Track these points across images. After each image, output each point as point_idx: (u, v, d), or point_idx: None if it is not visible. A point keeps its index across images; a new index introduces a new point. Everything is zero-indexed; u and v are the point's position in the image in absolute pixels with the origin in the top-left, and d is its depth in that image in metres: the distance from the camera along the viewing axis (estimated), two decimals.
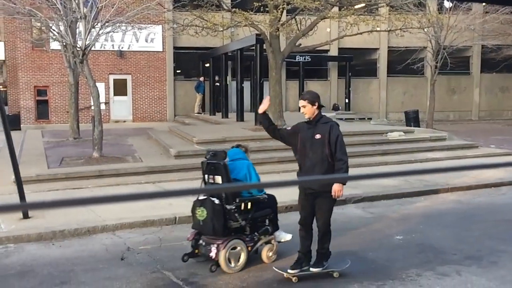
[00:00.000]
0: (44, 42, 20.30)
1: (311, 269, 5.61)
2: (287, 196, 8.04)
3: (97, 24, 12.80)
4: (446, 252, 6.48)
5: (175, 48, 24.30)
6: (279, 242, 6.22)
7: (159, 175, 11.20)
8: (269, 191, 6.26)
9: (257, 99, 16.91)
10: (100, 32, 13.15)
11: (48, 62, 22.58)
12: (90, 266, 6.04)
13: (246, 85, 19.92)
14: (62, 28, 13.38)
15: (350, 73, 26.52)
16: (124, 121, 23.61)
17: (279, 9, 14.64)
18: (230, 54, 21.05)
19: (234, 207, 5.81)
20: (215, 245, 5.75)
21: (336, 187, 5.38)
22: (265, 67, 16.74)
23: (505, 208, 9.15)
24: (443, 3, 22.51)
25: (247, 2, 17.98)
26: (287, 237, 6.27)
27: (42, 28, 18.17)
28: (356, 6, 15.88)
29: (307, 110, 5.49)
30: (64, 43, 15.25)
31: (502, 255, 6.37)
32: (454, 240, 7.01)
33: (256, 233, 6.03)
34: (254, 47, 17.09)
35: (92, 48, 13.38)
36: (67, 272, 5.86)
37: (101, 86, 20.04)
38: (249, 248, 5.92)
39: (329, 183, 5.44)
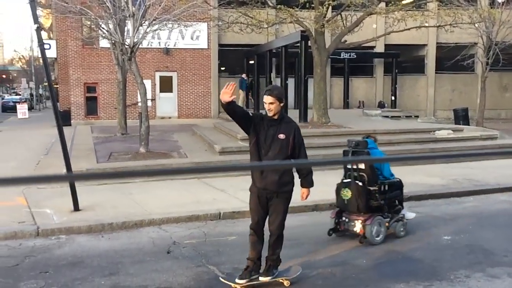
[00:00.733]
0: (93, 40, 20.86)
1: (260, 278, 5.28)
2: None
3: (144, 22, 13.06)
4: (497, 253, 6.28)
5: (220, 45, 24.48)
6: (407, 220, 7.06)
7: None
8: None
9: (301, 96, 16.85)
10: (148, 30, 13.40)
11: (98, 60, 23.20)
12: (137, 258, 6.18)
13: (290, 81, 19.87)
14: (111, 26, 13.72)
15: (396, 70, 26.03)
16: (170, 118, 24.00)
17: (325, 5, 14.52)
18: (274, 51, 21.04)
19: (376, 188, 6.68)
20: (359, 221, 6.59)
21: (307, 192, 5.42)
22: (309, 64, 16.65)
23: None
24: None
25: None
26: (412, 215, 7.20)
27: (92, 26, 18.67)
28: (404, 2, 15.60)
29: (274, 108, 5.11)
30: (113, 41, 15.63)
31: None
32: (505, 242, 6.78)
33: (390, 212, 6.88)
34: (298, 44, 17.02)
35: (140, 46, 13.66)
36: (116, 263, 6.02)
37: (147, 83, 20.41)
38: (386, 224, 6.75)
39: (286, 183, 5.19)
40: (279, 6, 15.68)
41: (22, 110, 27.67)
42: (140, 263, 6.03)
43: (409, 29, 15.86)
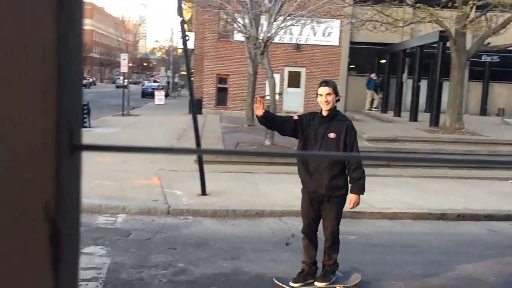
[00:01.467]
0: (229, 34, 21.73)
1: (315, 283, 5.05)
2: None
3: (279, 18, 13.31)
4: None
5: (351, 43, 24.15)
6: None
7: None
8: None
9: (434, 99, 16.09)
10: (282, 25, 13.64)
11: (231, 52, 24.09)
12: (257, 247, 6.37)
13: (423, 83, 19.07)
14: (247, 20, 14.18)
15: None
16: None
17: (469, 5, 13.67)
18: (408, 50, 20.30)
19: None
20: None
21: (355, 199, 4.89)
22: (445, 66, 15.82)
23: None
24: None
25: None
26: None
27: (229, 20, 19.45)
28: None
29: (332, 99, 4.90)
30: (248, 35, 16.14)
31: None
32: None
33: None
34: (435, 45, 16.26)
35: (272, 41, 13.96)
36: (237, 248, 6.26)
37: (276, 78, 20.79)
38: None
39: (338, 187, 4.86)
40: (418, 5, 15.05)
41: (160, 96, 29.65)
42: (259, 251, 6.21)
43: None
